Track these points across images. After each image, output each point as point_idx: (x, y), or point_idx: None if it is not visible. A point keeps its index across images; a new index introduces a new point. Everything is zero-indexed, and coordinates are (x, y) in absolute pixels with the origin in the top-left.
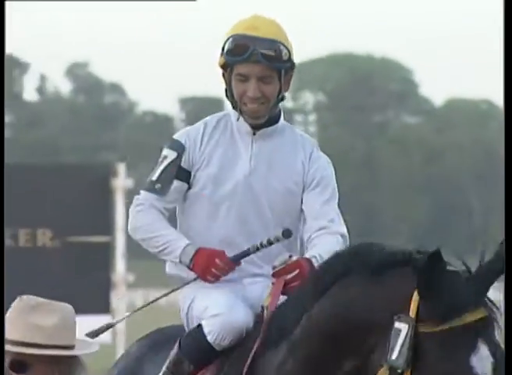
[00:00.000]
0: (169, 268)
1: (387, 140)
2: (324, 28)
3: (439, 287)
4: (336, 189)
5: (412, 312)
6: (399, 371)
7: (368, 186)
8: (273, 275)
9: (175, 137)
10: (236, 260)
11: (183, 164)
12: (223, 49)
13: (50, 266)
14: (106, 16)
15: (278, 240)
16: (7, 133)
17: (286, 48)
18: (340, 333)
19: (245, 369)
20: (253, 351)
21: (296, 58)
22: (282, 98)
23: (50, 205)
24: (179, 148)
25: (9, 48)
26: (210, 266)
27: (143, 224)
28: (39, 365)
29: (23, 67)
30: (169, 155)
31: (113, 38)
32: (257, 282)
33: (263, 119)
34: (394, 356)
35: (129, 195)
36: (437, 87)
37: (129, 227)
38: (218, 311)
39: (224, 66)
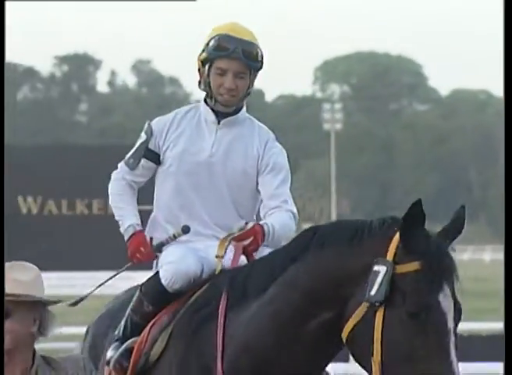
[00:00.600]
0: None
1: (401, 125)
2: (349, 30)
3: (417, 234)
4: (289, 175)
5: (390, 256)
6: (377, 304)
7: (385, 164)
8: (233, 240)
9: (151, 122)
10: (156, 250)
11: (150, 146)
12: (207, 45)
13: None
14: (166, 17)
15: (179, 235)
16: (83, 119)
17: (261, 51)
18: (316, 288)
19: (219, 328)
20: (221, 307)
21: (326, 56)
22: (249, 94)
23: None
24: (149, 132)
25: (84, 48)
26: (136, 252)
27: (113, 192)
28: (18, 312)
29: (96, 64)
30: (142, 137)
31: (171, 38)
32: (208, 240)
33: (232, 108)
34: (373, 292)
35: None
36: (443, 79)
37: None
38: (171, 259)
39: (204, 61)
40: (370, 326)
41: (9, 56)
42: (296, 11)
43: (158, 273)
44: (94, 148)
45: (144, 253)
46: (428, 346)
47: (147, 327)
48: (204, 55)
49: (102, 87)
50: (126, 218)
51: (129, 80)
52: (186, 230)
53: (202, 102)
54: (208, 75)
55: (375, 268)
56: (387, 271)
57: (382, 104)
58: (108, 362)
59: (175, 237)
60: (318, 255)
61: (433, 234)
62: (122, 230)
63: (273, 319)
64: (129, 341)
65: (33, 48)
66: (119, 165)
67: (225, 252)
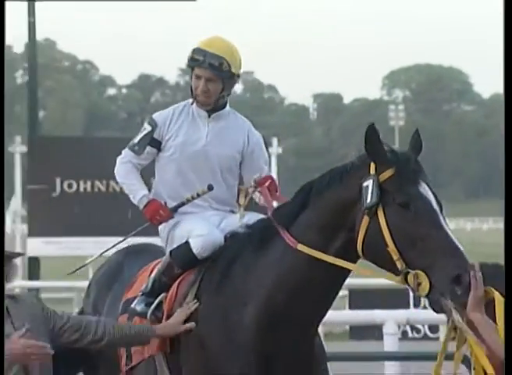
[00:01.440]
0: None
1: (451, 122)
2: (410, 46)
3: (381, 148)
4: (267, 157)
5: (372, 171)
6: (373, 208)
7: (437, 154)
8: (257, 185)
9: (153, 116)
10: (174, 210)
11: (154, 135)
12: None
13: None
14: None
15: (204, 192)
16: None
17: (227, 62)
18: (329, 223)
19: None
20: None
21: (391, 67)
22: (228, 94)
23: None
24: (153, 124)
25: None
26: (155, 215)
27: (121, 173)
28: None
29: None
30: (147, 128)
31: (272, 50)
32: (215, 214)
33: (209, 106)
34: (368, 200)
35: (279, 160)
36: (485, 85)
37: (117, 175)
38: (201, 232)
39: (190, 68)
40: (377, 227)
41: (144, 68)
42: (369, 32)
43: (187, 242)
44: None
45: (164, 215)
46: (426, 225)
47: (175, 284)
48: (188, 63)
49: None
50: (138, 191)
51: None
52: (210, 187)
53: (192, 100)
54: (191, 79)
55: (364, 184)
56: (373, 181)
57: (436, 105)
58: (140, 314)
59: (198, 195)
60: (320, 200)
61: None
62: (135, 201)
63: (300, 255)
64: (160, 296)
65: (163, 61)
66: (124, 151)
67: (246, 199)
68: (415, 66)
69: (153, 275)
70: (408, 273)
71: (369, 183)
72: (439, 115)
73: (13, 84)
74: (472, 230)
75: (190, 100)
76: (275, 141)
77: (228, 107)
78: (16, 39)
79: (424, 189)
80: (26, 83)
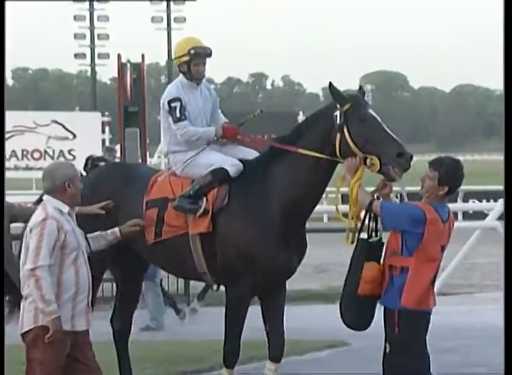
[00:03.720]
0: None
1: (397, 103)
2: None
3: (341, 93)
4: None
5: (339, 108)
6: (341, 127)
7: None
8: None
9: (172, 95)
10: (239, 126)
11: (183, 104)
12: (188, 51)
13: None
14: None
15: (259, 115)
16: None
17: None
18: (321, 135)
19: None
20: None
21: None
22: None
23: None
24: (177, 99)
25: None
26: (235, 134)
27: (191, 133)
28: None
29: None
30: (176, 103)
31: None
32: (213, 148)
33: (201, 80)
34: (338, 122)
35: None
36: (416, 81)
37: (185, 138)
38: (232, 163)
39: (191, 59)
40: (344, 138)
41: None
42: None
43: (223, 168)
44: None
45: (237, 132)
46: (376, 129)
47: (215, 190)
48: (186, 58)
49: None
50: (208, 130)
51: None
52: (262, 111)
53: (181, 75)
54: (189, 65)
55: (335, 114)
56: (340, 111)
57: (386, 93)
58: (189, 210)
59: (254, 117)
60: (312, 129)
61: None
62: (212, 136)
63: (308, 163)
64: (204, 198)
65: None
66: (177, 125)
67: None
68: (378, 71)
69: (195, 186)
70: (366, 158)
71: (337, 113)
72: (389, 99)
73: None
74: None
75: (181, 77)
76: None
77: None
78: None
79: (372, 111)
80: None
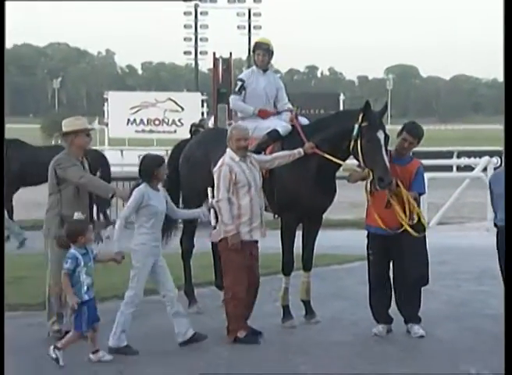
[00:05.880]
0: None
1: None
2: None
3: (367, 110)
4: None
5: (359, 120)
6: (355, 138)
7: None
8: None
9: (241, 76)
10: (271, 108)
11: (244, 85)
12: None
13: None
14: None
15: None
16: None
17: (272, 48)
18: (339, 136)
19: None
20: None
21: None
22: (268, 62)
23: None
24: (242, 81)
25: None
26: (269, 114)
27: (239, 104)
28: (80, 136)
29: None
30: (239, 83)
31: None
32: (273, 119)
33: (266, 68)
34: (354, 134)
35: None
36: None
37: (232, 107)
38: (284, 124)
39: (254, 50)
40: (356, 147)
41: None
42: None
43: (276, 130)
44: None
45: (270, 111)
46: (376, 151)
47: (271, 146)
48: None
49: None
50: (248, 108)
51: None
52: (298, 107)
53: (254, 66)
54: (255, 57)
55: (355, 125)
56: (358, 125)
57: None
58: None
59: (297, 108)
60: (334, 126)
61: (374, 111)
62: (250, 112)
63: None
64: (263, 152)
65: None
66: (232, 96)
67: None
68: (397, 64)
69: (256, 144)
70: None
71: (356, 126)
72: (405, 85)
73: None
74: None
75: (254, 66)
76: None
77: (269, 69)
78: None
79: (380, 134)
80: None
